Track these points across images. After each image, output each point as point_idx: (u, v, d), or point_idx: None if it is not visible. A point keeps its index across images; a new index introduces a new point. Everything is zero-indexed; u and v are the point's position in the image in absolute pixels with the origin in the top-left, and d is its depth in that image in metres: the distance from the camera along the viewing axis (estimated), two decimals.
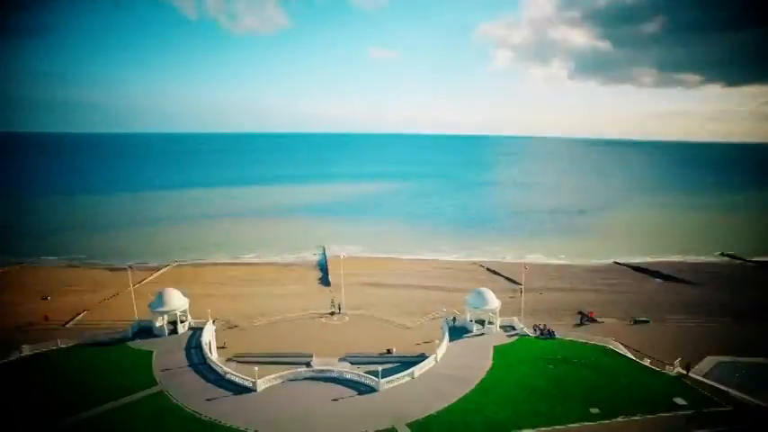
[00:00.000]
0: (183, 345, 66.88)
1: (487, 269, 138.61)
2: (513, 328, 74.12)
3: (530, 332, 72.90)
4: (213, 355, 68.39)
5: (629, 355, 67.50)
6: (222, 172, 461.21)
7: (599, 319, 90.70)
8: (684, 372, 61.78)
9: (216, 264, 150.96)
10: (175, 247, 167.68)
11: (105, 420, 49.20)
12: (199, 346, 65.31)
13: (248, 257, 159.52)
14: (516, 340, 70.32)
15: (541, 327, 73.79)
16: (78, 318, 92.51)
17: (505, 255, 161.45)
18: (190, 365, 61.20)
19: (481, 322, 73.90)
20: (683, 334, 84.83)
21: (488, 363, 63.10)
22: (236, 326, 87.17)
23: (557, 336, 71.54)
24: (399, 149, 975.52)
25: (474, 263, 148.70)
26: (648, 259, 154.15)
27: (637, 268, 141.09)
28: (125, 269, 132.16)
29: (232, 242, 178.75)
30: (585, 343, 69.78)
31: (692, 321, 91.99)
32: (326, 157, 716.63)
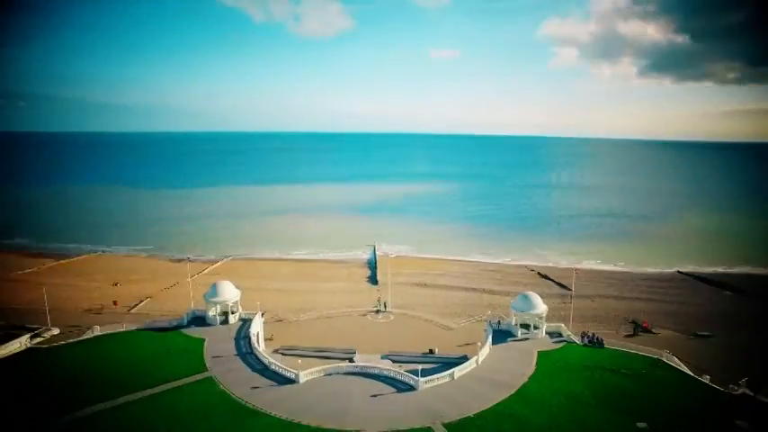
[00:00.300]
0: (233, 334, 70.40)
1: (538, 273, 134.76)
2: (560, 335, 71.83)
3: (577, 339, 70.36)
4: (261, 347, 71.57)
5: (686, 369, 63.46)
6: (280, 171, 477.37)
7: (654, 330, 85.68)
8: (751, 393, 57.21)
9: (269, 259, 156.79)
10: (232, 242, 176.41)
11: (158, 401, 53.05)
12: (247, 337, 68.45)
13: (300, 254, 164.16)
14: (562, 347, 68.14)
15: (590, 334, 70.95)
16: (142, 304, 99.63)
17: (559, 259, 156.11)
18: (238, 354, 64.40)
19: (526, 327, 72.36)
20: (754, 352, 77.97)
21: (531, 368, 61.66)
22: (283, 319, 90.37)
23: (605, 345, 68.54)
24: (455, 150, 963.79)
25: (524, 266, 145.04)
26: (718, 270, 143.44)
27: (703, 279, 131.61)
28: (185, 260, 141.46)
29: (286, 238, 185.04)
30: (636, 354, 66.40)
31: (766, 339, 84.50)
32: (381, 157, 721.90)
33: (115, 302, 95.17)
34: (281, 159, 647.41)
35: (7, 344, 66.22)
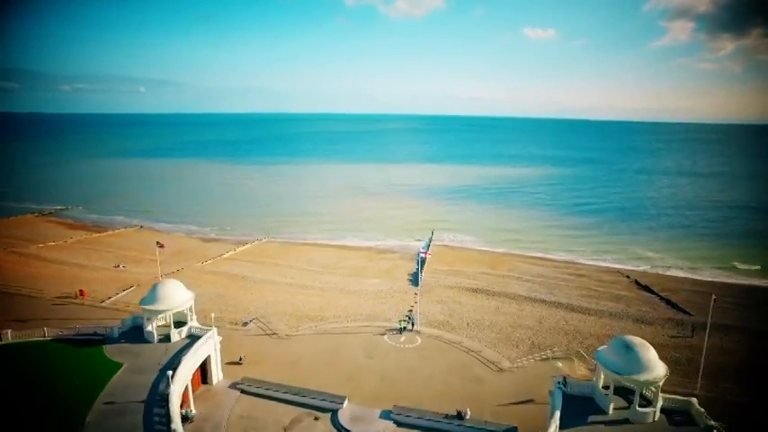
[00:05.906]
0: (163, 362, 47.99)
1: (636, 282, 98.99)
2: (689, 415, 40.50)
3: (722, 430, 38.77)
4: (217, 374, 49.04)
5: None
6: (366, 150, 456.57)
7: None
8: None
9: (306, 243, 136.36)
10: (284, 222, 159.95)
11: None
12: (172, 372, 44.99)
13: (344, 240, 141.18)
14: None
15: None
16: (122, 294, 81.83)
17: (669, 265, 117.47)
18: (145, 401, 41.76)
19: (624, 393, 42.12)
20: None
21: None
22: (275, 333, 67.35)
23: None
24: (552, 134, 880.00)
25: (617, 271, 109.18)
26: None
27: None
28: (216, 240, 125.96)
29: (341, 221, 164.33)
30: None
31: None
32: (468, 138, 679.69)
33: (82, 292, 77.72)
34: (360, 140, 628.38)
35: None
